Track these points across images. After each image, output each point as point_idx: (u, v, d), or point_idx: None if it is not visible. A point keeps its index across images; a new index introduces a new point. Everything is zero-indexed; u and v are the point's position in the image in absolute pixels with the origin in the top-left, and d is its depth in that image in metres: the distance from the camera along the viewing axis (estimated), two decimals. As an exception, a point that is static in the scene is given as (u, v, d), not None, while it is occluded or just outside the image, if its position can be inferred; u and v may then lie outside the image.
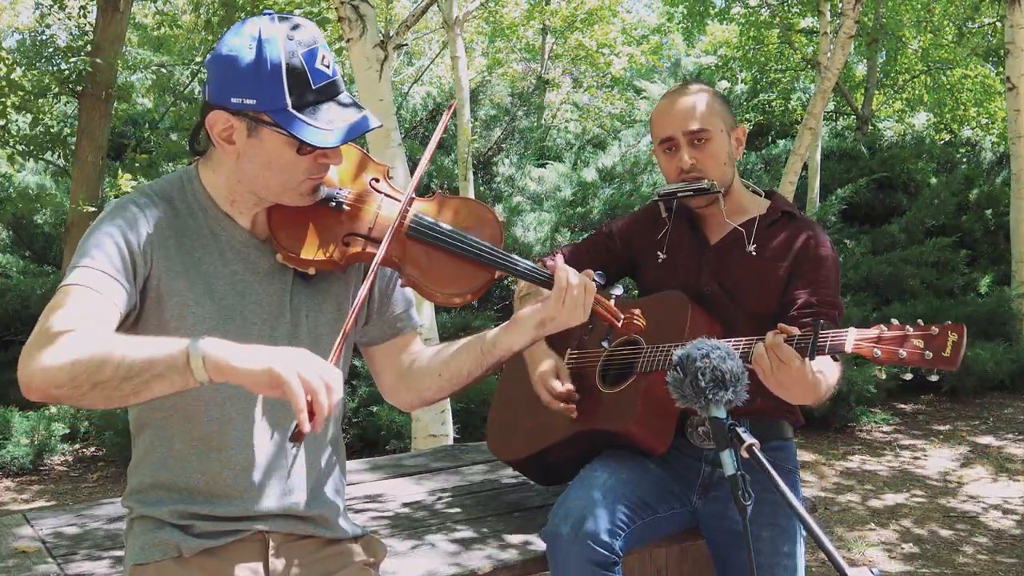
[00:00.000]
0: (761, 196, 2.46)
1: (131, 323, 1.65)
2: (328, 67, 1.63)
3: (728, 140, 2.35)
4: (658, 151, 2.37)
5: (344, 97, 1.66)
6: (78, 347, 1.44)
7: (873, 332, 1.91)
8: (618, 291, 1.87)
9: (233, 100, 1.61)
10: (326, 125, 1.60)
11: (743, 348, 2.07)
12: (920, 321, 1.90)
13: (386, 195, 1.81)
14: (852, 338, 1.93)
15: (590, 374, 2.37)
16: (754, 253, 2.32)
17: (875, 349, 1.89)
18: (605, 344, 1.88)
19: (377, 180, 1.82)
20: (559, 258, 1.78)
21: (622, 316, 1.87)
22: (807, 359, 1.95)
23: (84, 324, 1.48)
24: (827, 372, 2.08)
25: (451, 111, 1.79)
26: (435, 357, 1.88)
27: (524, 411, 2.50)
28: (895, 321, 1.92)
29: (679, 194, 2.33)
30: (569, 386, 2.33)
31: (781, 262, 2.31)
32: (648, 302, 2.37)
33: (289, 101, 1.59)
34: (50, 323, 1.48)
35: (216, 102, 1.63)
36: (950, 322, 1.87)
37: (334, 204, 1.76)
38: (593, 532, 2.08)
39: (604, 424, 2.29)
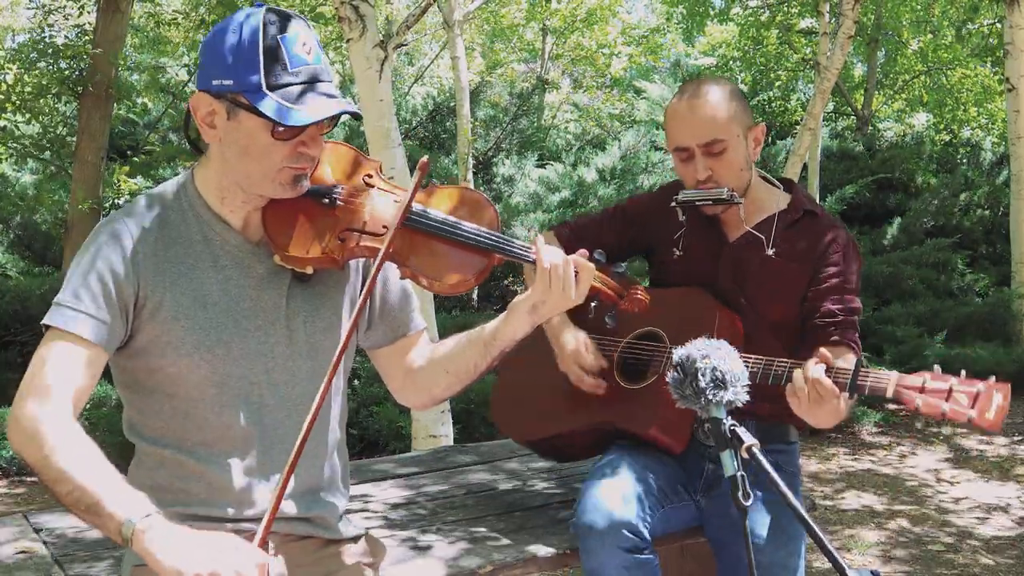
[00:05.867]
0: (779, 187, 2.40)
1: (126, 343, 1.67)
2: (308, 53, 1.61)
3: (746, 144, 2.27)
4: (673, 156, 2.31)
5: (325, 86, 1.63)
6: (48, 451, 1.52)
7: (917, 380, 1.88)
8: (621, 268, 1.85)
9: (214, 82, 1.62)
10: (297, 107, 1.58)
11: (776, 368, 2.05)
12: (963, 372, 1.87)
13: (380, 189, 1.80)
14: (894, 383, 1.90)
15: (608, 363, 2.35)
16: (774, 256, 2.28)
17: (917, 399, 1.86)
18: (609, 322, 1.86)
19: (370, 176, 1.82)
20: (540, 239, 1.75)
21: (625, 293, 1.85)
22: (845, 395, 1.92)
23: (67, 399, 1.57)
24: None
25: (423, 172, 1.74)
26: (440, 354, 1.87)
27: (534, 390, 2.49)
28: (938, 368, 1.88)
29: (697, 202, 2.28)
30: (602, 361, 2.31)
31: (803, 266, 2.27)
32: (672, 296, 2.33)
33: (263, 81, 1.58)
34: (39, 385, 1.57)
35: (201, 86, 1.64)
36: (994, 378, 1.84)
37: (328, 201, 1.75)
38: (626, 521, 2.09)
39: (625, 424, 2.29)
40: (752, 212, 2.32)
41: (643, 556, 2.10)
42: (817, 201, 9.66)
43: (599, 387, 2.31)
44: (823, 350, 2.00)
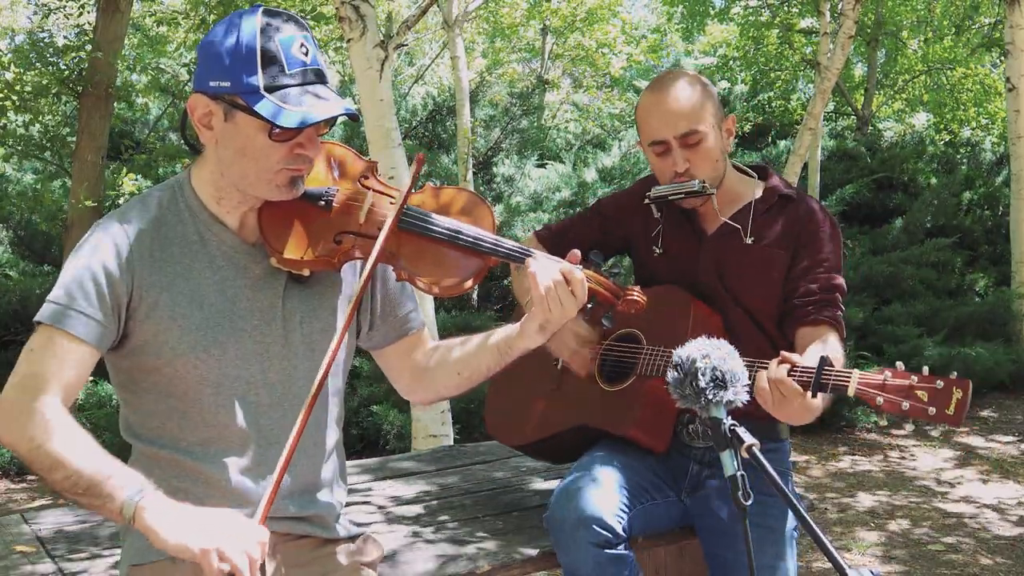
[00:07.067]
0: (753, 176, 2.40)
1: (121, 343, 1.67)
2: (306, 55, 1.61)
3: (720, 134, 2.28)
4: (648, 151, 2.30)
5: (323, 88, 1.63)
6: (41, 439, 1.52)
7: (877, 378, 1.89)
8: (616, 271, 1.87)
9: (211, 84, 1.62)
10: (294, 108, 1.58)
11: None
12: (926, 369, 1.87)
13: (375, 191, 1.80)
14: (855, 381, 1.90)
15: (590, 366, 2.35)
16: (752, 244, 2.27)
17: (878, 397, 1.87)
18: (606, 322, 1.88)
19: (366, 177, 1.81)
20: (533, 267, 1.76)
21: (621, 294, 1.87)
22: (808, 394, 1.92)
23: (57, 392, 1.56)
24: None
25: (420, 164, 1.74)
26: (452, 355, 1.88)
27: (524, 397, 2.50)
28: (900, 365, 1.89)
29: (670, 197, 2.27)
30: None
31: (783, 250, 2.27)
32: (649, 295, 2.34)
33: (261, 83, 1.58)
34: (28, 378, 1.57)
35: (198, 87, 1.64)
36: (955, 375, 1.85)
37: (324, 203, 1.75)
38: (596, 516, 2.08)
39: (605, 424, 2.30)
40: (728, 203, 2.32)
41: (616, 551, 2.08)
42: (817, 198, 9.67)
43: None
44: (785, 354, 1.98)
